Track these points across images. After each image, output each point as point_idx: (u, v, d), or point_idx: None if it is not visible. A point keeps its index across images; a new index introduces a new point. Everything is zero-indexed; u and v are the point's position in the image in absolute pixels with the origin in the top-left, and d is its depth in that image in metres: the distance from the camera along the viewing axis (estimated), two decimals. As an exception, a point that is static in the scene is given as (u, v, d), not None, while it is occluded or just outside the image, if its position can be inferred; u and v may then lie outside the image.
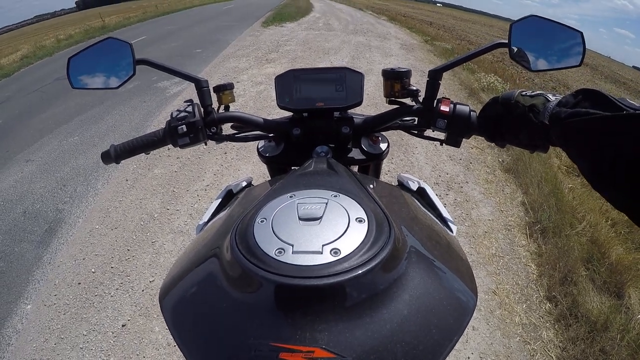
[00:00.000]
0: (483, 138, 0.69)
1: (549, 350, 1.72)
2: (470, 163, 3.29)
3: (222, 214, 0.61)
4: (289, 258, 0.34)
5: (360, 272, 0.32)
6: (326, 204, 0.41)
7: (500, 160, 3.37)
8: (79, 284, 2.13)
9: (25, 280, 2.21)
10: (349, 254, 0.34)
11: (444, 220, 0.64)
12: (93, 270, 2.22)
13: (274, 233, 0.37)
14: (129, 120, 4.44)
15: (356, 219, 0.38)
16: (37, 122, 4.78)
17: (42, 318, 1.94)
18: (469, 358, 1.68)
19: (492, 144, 0.69)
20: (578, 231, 2.39)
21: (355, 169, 0.82)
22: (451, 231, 0.62)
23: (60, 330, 1.87)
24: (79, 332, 1.85)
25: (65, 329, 1.87)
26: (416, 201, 0.65)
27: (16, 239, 2.57)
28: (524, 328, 1.82)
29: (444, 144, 0.73)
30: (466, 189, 2.91)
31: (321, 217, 0.39)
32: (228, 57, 7.20)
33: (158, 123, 4.24)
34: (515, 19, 0.67)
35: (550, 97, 0.55)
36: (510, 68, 7.57)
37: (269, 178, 0.86)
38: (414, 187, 0.72)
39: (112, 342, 1.79)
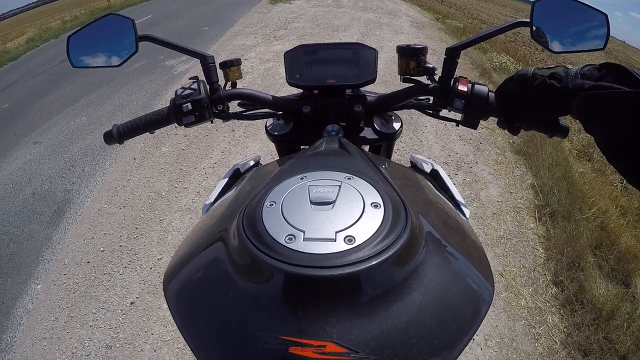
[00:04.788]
0: (496, 122, 0.67)
1: (553, 335, 1.72)
2: (480, 143, 3.23)
3: (229, 194, 0.59)
4: (300, 245, 0.32)
5: (375, 262, 0.30)
6: (339, 186, 0.39)
7: (511, 141, 3.30)
8: (88, 262, 2.16)
9: (35, 261, 2.24)
10: (364, 242, 0.32)
11: (456, 204, 0.62)
12: (102, 249, 2.24)
13: (284, 218, 0.35)
14: (136, 100, 4.42)
15: (371, 204, 0.36)
16: (44, 104, 4.77)
17: (52, 297, 1.98)
18: (473, 340, 1.69)
19: (504, 130, 0.66)
20: (588, 217, 2.35)
21: (365, 149, 0.80)
22: (464, 215, 0.61)
23: (70, 309, 1.90)
24: (89, 310, 1.88)
25: (75, 308, 1.90)
26: (430, 184, 0.62)
27: (26, 220, 2.60)
28: (529, 312, 1.81)
29: (460, 125, 0.70)
30: (475, 170, 2.87)
31: (334, 202, 0.37)
32: (235, 35, 7.07)
33: (165, 102, 4.18)
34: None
35: (569, 66, 0.54)
36: (523, 48, 7.36)
37: (278, 157, 0.84)
38: (427, 169, 0.70)
39: (120, 319, 1.82)
